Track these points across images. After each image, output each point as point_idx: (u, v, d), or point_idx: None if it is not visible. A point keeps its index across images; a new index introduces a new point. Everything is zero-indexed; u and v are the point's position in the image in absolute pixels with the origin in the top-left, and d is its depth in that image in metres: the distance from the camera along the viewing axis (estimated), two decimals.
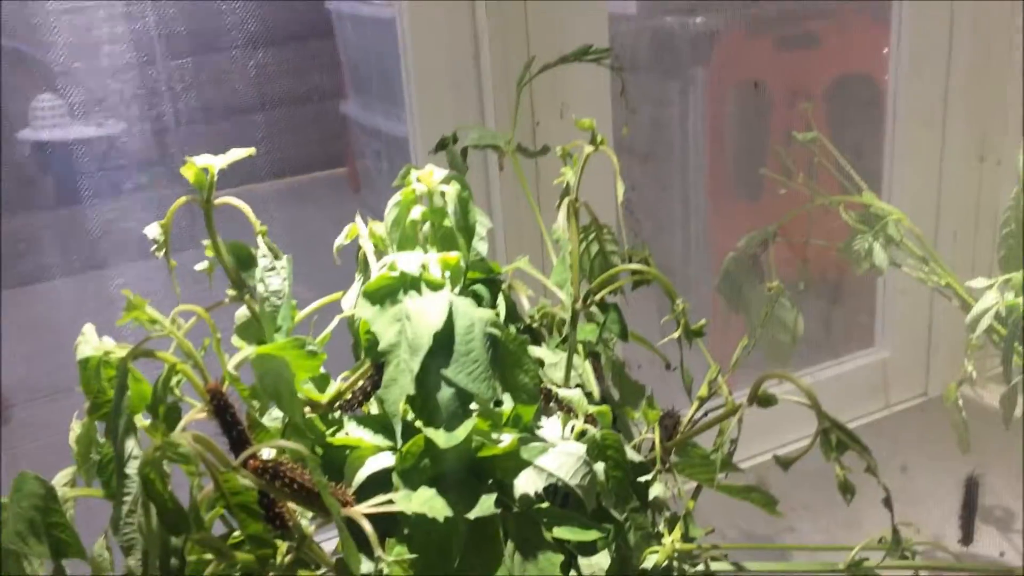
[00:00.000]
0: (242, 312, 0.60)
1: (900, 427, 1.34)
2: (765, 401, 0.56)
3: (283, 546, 0.51)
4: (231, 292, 0.56)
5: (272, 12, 1.08)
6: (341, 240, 0.67)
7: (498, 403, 0.60)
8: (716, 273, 1.08)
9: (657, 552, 0.64)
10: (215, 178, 0.55)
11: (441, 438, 0.54)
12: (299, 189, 1.26)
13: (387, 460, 0.56)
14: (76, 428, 0.57)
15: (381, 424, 0.59)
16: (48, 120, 1.03)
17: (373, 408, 0.62)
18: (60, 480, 0.54)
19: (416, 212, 0.64)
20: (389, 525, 0.56)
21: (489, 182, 1.06)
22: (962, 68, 1.34)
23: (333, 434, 0.59)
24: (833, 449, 0.53)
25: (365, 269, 0.67)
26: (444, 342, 0.55)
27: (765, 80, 1.53)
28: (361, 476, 0.56)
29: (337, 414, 0.61)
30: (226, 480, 0.42)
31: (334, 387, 0.61)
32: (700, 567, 0.65)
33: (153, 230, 0.54)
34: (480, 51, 1.04)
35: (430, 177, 0.63)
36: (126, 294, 0.47)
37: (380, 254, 0.65)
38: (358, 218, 0.67)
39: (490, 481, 0.56)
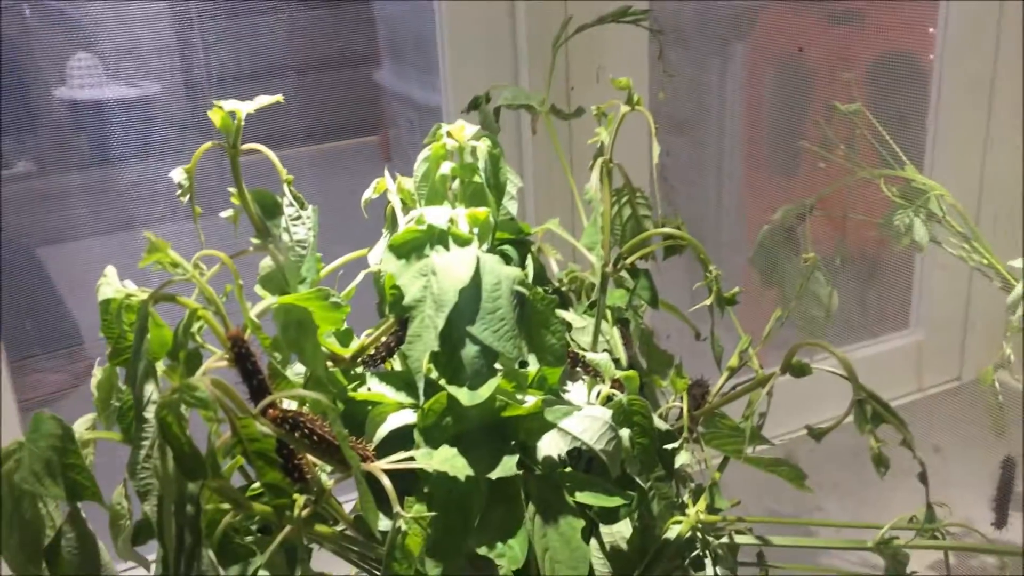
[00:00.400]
0: (266, 262, 0.59)
1: (932, 410, 1.32)
2: (799, 370, 0.54)
3: (300, 499, 0.50)
4: (255, 240, 0.55)
5: None
6: (369, 194, 0.65)
7: (523, 364, 0.59)
8: (748, 246, 1.06)
9: (681, 522, 0.63)
10: (242, 123, 0.54)
11: (464, 396, 0.53)
12: (330, 155, 1.26)
13: (408, 417, 0.55)
14: (97, 374, 0.57)
15: (404, 381, 0.58)
16: (83, 79, 1.03)
17: (396, 365, 0.61)
18: (81, 426, 0.54)
19: (446, 167, 0.63)
20: (408, 483, 0.55)
21: (522, 145, 1.05)
22: (1011, 48, 1.30)
23: (355, 389, 0.58)
24: (868, 421, 0.51)
25: (392, 224, 0.65)
26: (470, 299, 0.54)
27: (807, 51, 1.49)
28: (382, 432, 0.55)
29: (359, 370, 0.61)
30: (244, 426, 0.41)
31: (357, 342, 0.60)
32: (724, 539, 0.64)
33: (178, 174, 0.53)
34: (516, 13, 1.02)
35: (461, 132, 0.62)
36: (148, 236, 0.46)
37: (407, 209, 0.64)
38: (386, 172, 0.66)
39: (513, 442, 0.55)
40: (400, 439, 0.56)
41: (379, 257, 0.65)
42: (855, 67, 1.45)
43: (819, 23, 1.49)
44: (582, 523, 0.55)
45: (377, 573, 0.58)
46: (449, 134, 0.62)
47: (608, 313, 0.69)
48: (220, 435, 0.45)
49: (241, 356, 0.47)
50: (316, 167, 1.18)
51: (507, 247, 0.66)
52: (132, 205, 1.04)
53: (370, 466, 0.51)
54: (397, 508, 0.49)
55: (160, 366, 0.52)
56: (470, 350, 0.54)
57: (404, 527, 0.49)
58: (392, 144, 1.47)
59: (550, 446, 0.56)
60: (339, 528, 0.54)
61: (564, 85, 1.05)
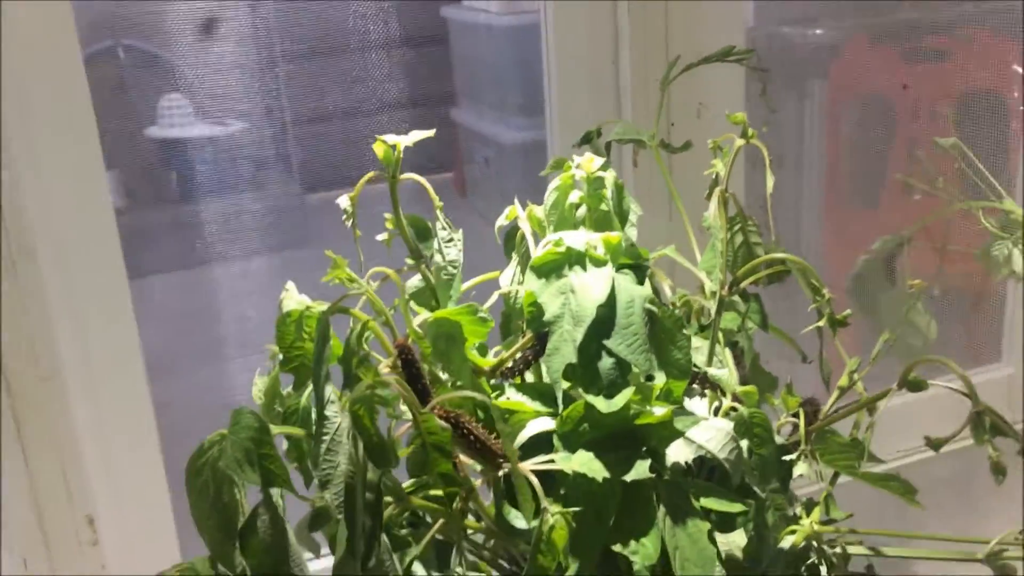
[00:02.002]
0: (412, 282, 0.65)
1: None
2: (915, 386, 0.58)
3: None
4: (410, 260, 0.61)
5: (389, 17, 1.13)
6: (502, 220, 0.71)
7: (648, 378, 0.63)
8: (829, 278, 1.09)
9: (795, 532, 0.67)
10: (401, 155, 0.60)
11: (602, 404, 0.57)
12: (409, 191, 1.31)
13: (546, 424, 0.60)
14: (260, 383, 0.63)
15: (538, 391, 0.63)
16: (175, 118, 1.11)
17: (528, 377, 0.66)
18: None
19: (574, 196, 0.68)
20: (546, 485, 0.59)
21: (623, 178, 1.09)
22: None
23: (495, 399, 0.63)
24: (986, 431, 0.54)
25: (519, 249, 0.71)
26: (606, 315, 0.59)
27: (893, 95, 1.53)
28: (523, 437, 0.60)
29: (492, 381, 0.66)
30: (425, 420, 0.46)
31: (493, 355, 0.65)
32: (837, 550, 0.67)
33: (344, 201, 0.59)
34: (620, 53, 1.08)
35: (590, 163, 0.67)
36: (329, 255, 0.52)
37: (536, 235, 0.69)
38: (516, 201, 0.72)
39: (644, 448, 0.60)
40: (538, 445, 0.60)
41: (509, 279, 0.71)
42: (938, 104, 1.47)
43: (900, 61, 1.52)
44: (708, 525, 0.59)
45: (513, 569, 0.63)
46: (579, 166, 0.68)
47: (720, 334, 0.73)
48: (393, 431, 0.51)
49: (407, 362, 0.53)
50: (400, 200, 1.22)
51: (627, 271, 0.71)
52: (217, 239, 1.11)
53: (517, 467, 0.56)
54: (545, 503, 0.54)
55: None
56: (606, 362, 0.59)
57: (551, 521, 0.54)
58: (467, 180, 1.54)
59: (678, 453, 0.60)
60: (482, 524, 0.59)
61: (665, 121, 1.10)
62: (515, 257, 0.71)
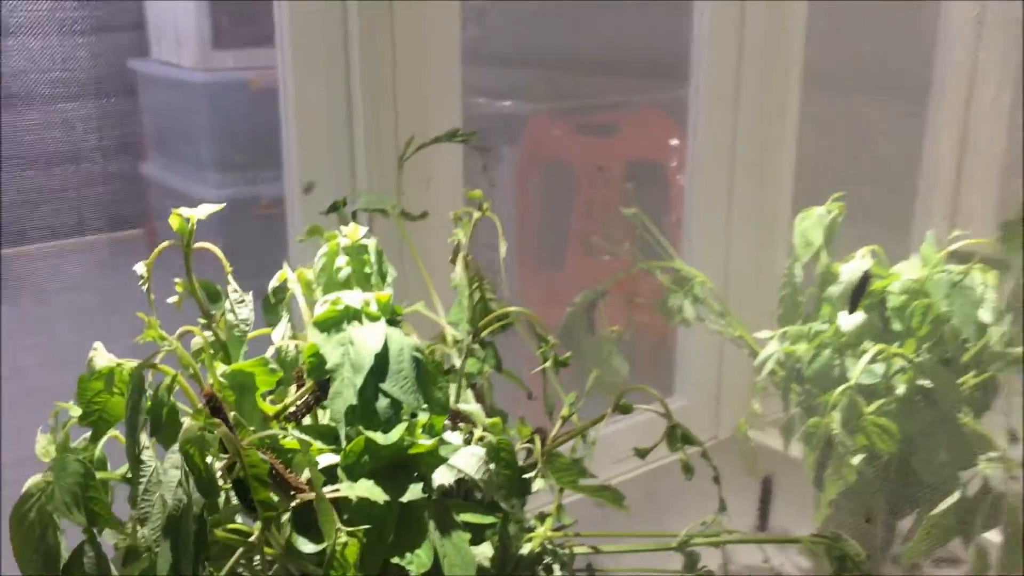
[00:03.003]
0: (196, 340, 0.72)
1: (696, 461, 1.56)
2: (624, 409, 0.74)
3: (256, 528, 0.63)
4: (202, 320, 0.68)
5: (75, 65, 1.12)
6: (274, 283, 0.79)
7: (412, 414, 0.74)
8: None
9: (532, 540, 0.80)
10: (195, 227, 0.67)
11: (380, 438, 0.68)
12: (96, 247, 1.28)
13: (330, 459, 0.69)
14: (43, 440, 0.67)
15: (318, 432, 0.72)
16: None
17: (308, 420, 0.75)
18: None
19: (341, 260, 0.78)
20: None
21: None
22: (744, 157, 1.61)
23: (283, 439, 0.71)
24: (678, 440, 0.71)
25: (284, 308, 0.80)
26: (381, 362, 0.69)
27: (573, 163, 1.77)
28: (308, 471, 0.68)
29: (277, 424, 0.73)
30: (248, 455, 0.54)
31: (272, 401, 0.73)
32: (567, 551, 0.81)
33: (140, 268, 0.66)
34: (354, 120, 1.19)
35: (356, 232, 0.78)
36: (141, 315, 0.58)
37: (308, 294, 0.78)
38: (285, 265, 0.80)
39: (415, 474, 0.70)
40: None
41: (281, 335, 0.79)
42: (611, 171, 1.73)
43: (576, 133, 1.76)
44: (468, 535, 0.71)
45: None
46: (345, 235, 0.78)
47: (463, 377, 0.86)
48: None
49: (215, 409, 0.60)
50: (86, 257, 1.21)
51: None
52: None
53: (306, 495, 0.65)
54: (339, 525, 0.63)
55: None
56: (383, 402, 0.69)
57: (345, 540, 0.63)
58: (159, 235, 1.57)
59: (442, 477, 0.71)
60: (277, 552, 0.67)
61: (398, 192, 1.22)
62: (285, 314, 0.80)
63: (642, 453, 0.75)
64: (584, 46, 1.74)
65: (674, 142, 1.77)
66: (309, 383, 0.72)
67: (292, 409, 0.72)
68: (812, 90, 1.71)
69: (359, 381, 0.68)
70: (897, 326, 1.09)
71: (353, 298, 0.71)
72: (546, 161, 1.79)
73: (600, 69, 1.78)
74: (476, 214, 0.86)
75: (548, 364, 0.84)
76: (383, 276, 0.79)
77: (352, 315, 0.70)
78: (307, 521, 0.66)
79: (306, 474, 0.69)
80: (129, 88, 1.42)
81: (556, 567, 0.79)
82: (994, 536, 1.05)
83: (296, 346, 0.77)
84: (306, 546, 0.67)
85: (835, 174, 1.72)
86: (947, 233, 1.14)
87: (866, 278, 1.04)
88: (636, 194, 1.61)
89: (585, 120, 1.85)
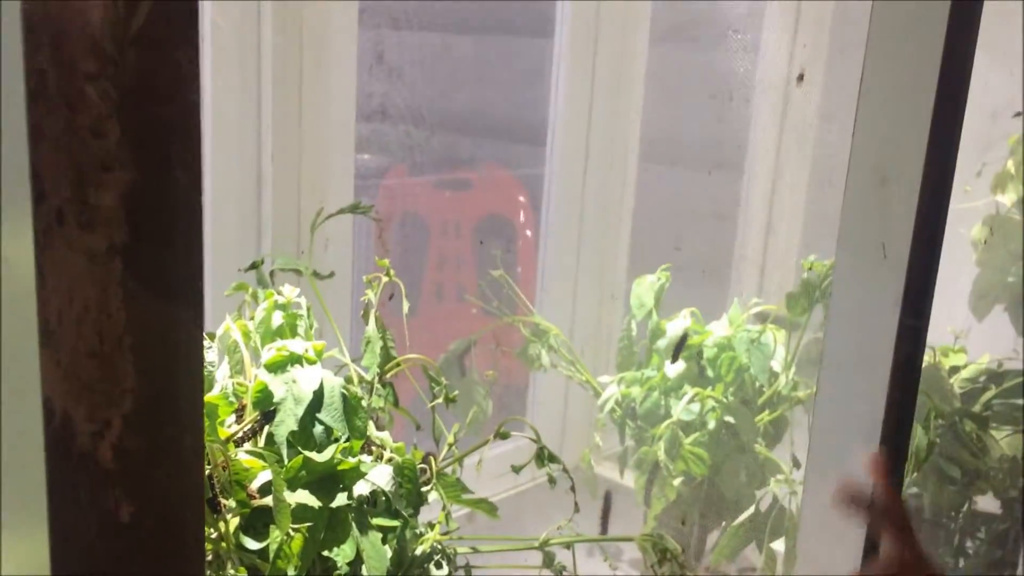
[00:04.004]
0: None
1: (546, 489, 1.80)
2: (503, 436, 0.95)
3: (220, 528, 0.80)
4: None
5: None
6: (220, 331, 0.97)
7: (336, 439, 0.93)
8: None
9: (425, 542, 1.00)
10: None
11: (316, 456, 0.87)
12: None
13: (266, 475, 0.87)
14: None
15: (259, 454, 0.90)
16: None
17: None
18: None
19: (278, 316, 0.97)
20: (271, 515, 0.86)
21: None
22: (589, 224, 1.87)
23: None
24: (544, 459, 0.93)
25: (232, 353, 0.98)
26: (318, 397, 0.88)
27: (427, 216, 1.98)
28: (258, 482, 0.86)
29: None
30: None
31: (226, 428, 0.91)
32: (451, 551, 1.01)
33: None
34: (263, 191, 1.37)
35: (292, 292, 0.97)
36: None
37: (247, 341, 0.96)
38: (228, 317, 0.98)
39: (341, 485, 0.89)
40: (266, 489, 0.87)
41: (224, 374, 0.97)
42: (464, 225, 1.95)
43: (434, 188, 1.97)
44: (380, 535, 0.91)
45: None
46: (282, 293, 0.97)
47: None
48: None
49: None
50: None
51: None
52: None
53: (259, 502, 0.83)
54: (289, 523, 0.81)
55: None
56: (318, 428, 0.88)
57: (294, 535, 0.81)
58: None
59: (361, 488, 0.91)
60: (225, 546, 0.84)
61: (308, 255, 1.41)
62: (227, 360, 0.98)
63: (517, 469, 0.96)
64: (446, 105, 1.95)
65: (522, 199, 2.01)
66: (253, 414, 0.90)
67: (240, 435, 0.90)
68: (646, 163, 2.00)
69: (300, 411, 0.87)
70: (710, 373, 1.35)
71: (296, 346, 0.90)
72: (403, 213, 1.99)
73: (460, 128, 2.00)
74: (385, 278, 1.06)
75: (440, 400, 1.05)
76: (310, 328, 0.98)
77: (295, 359, 0.89)
78: (252, 524, 0.84)
79: (256, 483, 0.87)
80: None
81: (444, 563, 1.00)
82: (779, 545, 1.32)
83: (234, 383, 0.95)
84: (250, 543, 0.85)
85: (667, 237, 2.01)
86: (760, 287, 1.42)
87: (684, 336, 1.30)
88: (488, 243, 1.84)
89: (441, 176, 2.06)
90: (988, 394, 1.60)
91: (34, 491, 0.36)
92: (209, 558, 0.81)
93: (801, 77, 1.59)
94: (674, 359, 1.31)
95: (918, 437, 1.23)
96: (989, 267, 1.75)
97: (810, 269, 1.26)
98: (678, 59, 2.04)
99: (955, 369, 1.62)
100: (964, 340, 1.68)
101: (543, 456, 0.95)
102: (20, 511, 0.38)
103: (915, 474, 1.46)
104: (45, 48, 0.31)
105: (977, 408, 1.56)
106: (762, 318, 1.37)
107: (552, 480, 0.95)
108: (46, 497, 0.36)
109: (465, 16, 1.81)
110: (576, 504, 1.00)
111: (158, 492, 0.38)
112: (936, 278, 0.86)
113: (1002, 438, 1.56)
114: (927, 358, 1.54)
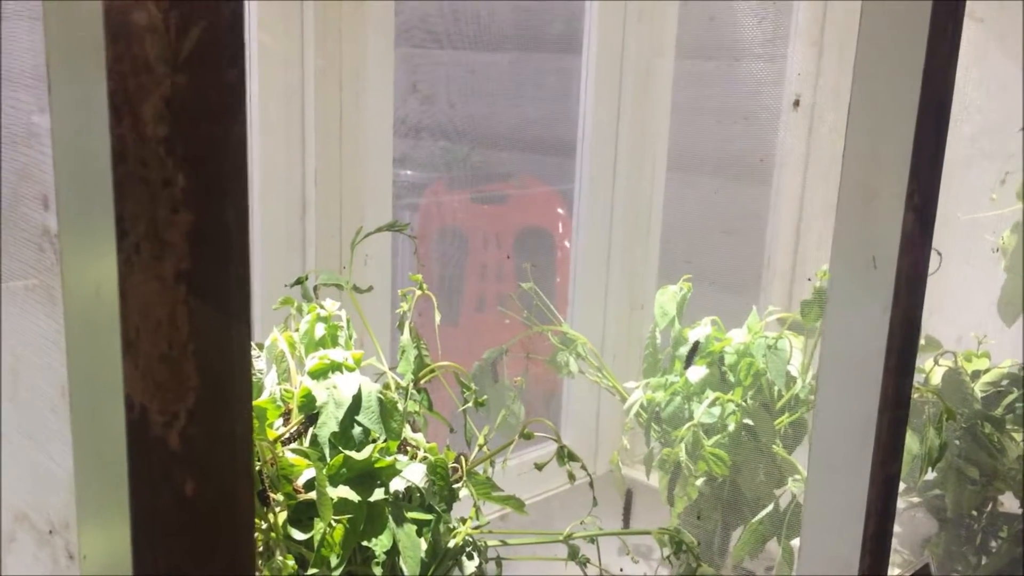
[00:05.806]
0: None
1: (575, 493, 1.87)
2: (527, 436, 1.03)
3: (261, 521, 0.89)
4: None
5: None
6: (268, 342, 1.06)
7: (373, 440, 1.02)
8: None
9: (457, 535, 1.08)
10: None
11: (355, 455, 0.95)
12: None
13: (310, 472, 0.96)
14: None
15: (303, 452, 0.99)
16: None
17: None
18: None
19: (320, 328, 1.06)
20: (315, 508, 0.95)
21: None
22: (620, 231, 1.95)
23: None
24: (564, 457, 1.00)
25: (280, 361, 1.07)
26: (357, 400, 0.97)
27: (466, 229, 2.06)
28: (303, 478, 0.95)
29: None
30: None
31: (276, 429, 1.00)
32: (481, 544, 1.09)
33: None
34: (307, 212, 1.47)
35: (334, 306, 1.06)
36: None
37: (292, 351, 1.06)
38: (275, 330, 1.07)
39: (379, 481, 0.98)
40: (310, 485, 0.96)
41: (273, 380, 1.06)
42: (503, 238, 2.03)
43: (471, 202, 2.05)
44: (415, 527, 0.99)
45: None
46: (324, 307, 1.06)
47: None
48: None
49: None
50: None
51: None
52: None
53: (305, 496, 0.92)
54: (331, 516, 0.90)
55: None
56: (357, 430, 0.97)
57: (336, 526, 0.90)
58: None
59: (397, 484, 0.99)
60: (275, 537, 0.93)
61: (349, 270, 1.50)
62: (275, 367, 1.07)
63: (540, 466, 1.04)
64: (482, 122, 2.03)
65: (560, 211, 2.09)
66: (299, 417, 0.99)
67: (287, 435, 0.99)
68: (674, 173, 2.06)
69: (341, 414, 0.96)
70: (731, 378, 1.42)
71: (337, 355, 0.99)
72: (442, 225, 2.08)
73: (496, 143, 2.08)
74: (419, 292, 1.15)
75: (469, 404, 1.13)
76: (350, 338, 1.07)
77: (335, 367, 0.98)
78: (298, 516, 0.93)
79: (302, 479, 0.96)
80: None
81: (475, 555, 1.08)
82: (797, 543, 1.38)
83: (281, 390, 1.04)
84: (297, 533, 0.94)
85: (695, 249, 2.07)
86: (790, 295, 1.48)
87: (696, 343, 1.37)
88: (521, 254, 1.92)
89: (476, 190, 2.15)
90: (1010, 397, 1.64)
91: (117, 471, 0.45)
92: (260, 548, 0.90)
93: (797, 103, 1.65)
94: (687, 365, 1.38)
95: (930, 438, 1.28)
96: (1016, 273, 1.79)
97: (822, 278, 1.32)
98: (705, 74, 2.11)
99: (977, 373, 1.66)
100: (989, 345, 1.73)
101: (563, 454, 1.03)
102: (105, 487, 0.47)
103: (933, 474, 1.51)
104: (126, 119, 0.40)
105: (998, 411, 1.61)
106: (780, 325, 1.43)
107: (572, 476, 1.03)
108: (127, 476, 0.45)
109: (496, 35, 1.89)
110: (595, 499, 1.08)
111: (215, 472, 0.47)
112: (925, 287, 0.92)
113: (1022, 439, 1.60)
114: (948, 363, 1.59)
